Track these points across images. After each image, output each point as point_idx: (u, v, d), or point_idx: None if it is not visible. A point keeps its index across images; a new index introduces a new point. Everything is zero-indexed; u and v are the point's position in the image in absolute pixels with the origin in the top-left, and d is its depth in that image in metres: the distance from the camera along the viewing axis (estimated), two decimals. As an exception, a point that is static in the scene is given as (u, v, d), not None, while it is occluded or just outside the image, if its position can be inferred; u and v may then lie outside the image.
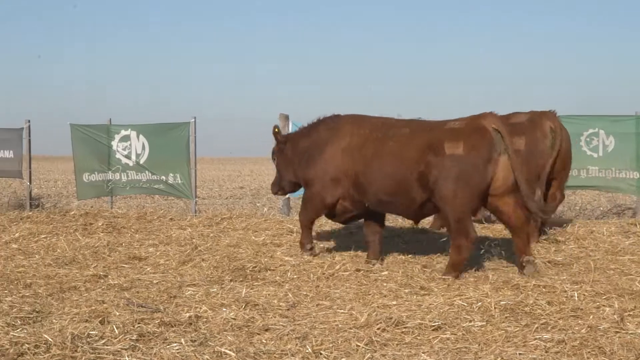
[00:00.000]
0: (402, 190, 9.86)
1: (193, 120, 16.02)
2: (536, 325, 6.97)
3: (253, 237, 12.47)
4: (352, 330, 6.90)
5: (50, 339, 6.43)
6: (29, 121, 16.92)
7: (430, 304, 7.80)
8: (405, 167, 9.79)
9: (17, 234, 12.69)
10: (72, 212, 15.05)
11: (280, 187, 11.40)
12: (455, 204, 9.42)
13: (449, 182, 9.43)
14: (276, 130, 11.20)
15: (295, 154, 10.93)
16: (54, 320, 7.24)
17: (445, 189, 9.43)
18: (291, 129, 15.52)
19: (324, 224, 13.53)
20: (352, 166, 10.25)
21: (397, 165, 9.87)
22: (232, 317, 7.35)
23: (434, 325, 6.96)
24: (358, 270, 9.71)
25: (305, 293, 8.56)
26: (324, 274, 9.57)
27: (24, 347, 6.31)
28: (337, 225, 12.86)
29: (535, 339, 6.61)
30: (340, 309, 7.74)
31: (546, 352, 6.31)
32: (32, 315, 7.46)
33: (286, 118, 15.81)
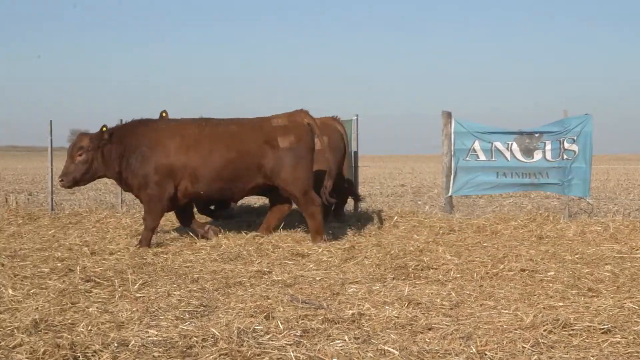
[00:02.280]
0: (241, 177, 11.97)
1: (355, 117, 16.11)
2: None
3: (415, 235, 12.46)
4: (517, 331, 6.79)
5: (217, 333, 6.62)
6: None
7: (599, 306, 7.60)
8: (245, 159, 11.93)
9: (184, 231, 13.10)
10: (236, 209, 15.41)
11: (76, 180, 12.28)
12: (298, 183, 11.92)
13: (287, 167, 11.89)
14: (104, 129, 12.13)
15: (118, 154, 12.09)
16: (221, 315, 7.45)
17: (285, 173, 11.88)
18: (454, 127, 15.46)
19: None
20: (188, 161, 11.87)
21: (237, 157, 11.90)
22: (395, 315, 7.36)
23: (603, 328, 6.78)
24: (523, 270, 9.57)
25: (468, 292, 8.49)
26: (487, 273, 9.48)
27: (192, 340, 6.51)
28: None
29: None
30: (505, 310, 7.64)
31: None
32: (199, 310, 7.69)
33: (449, 115, 15.69)
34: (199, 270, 9.98)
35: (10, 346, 6.35)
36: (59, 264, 10.17)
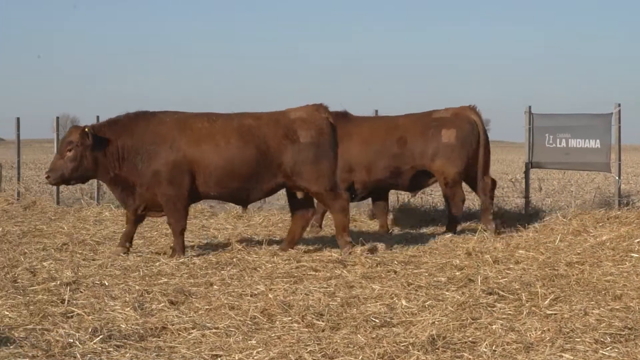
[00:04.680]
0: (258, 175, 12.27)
1: None
2: None
3: None
4: None
5: (644, 362, 6.34)
6: (619, 105, 16.78)
7: None
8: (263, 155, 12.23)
9: (604, 237, 12.72)
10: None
11: (64, 178, 12.30)
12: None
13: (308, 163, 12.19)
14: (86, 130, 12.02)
15: (116, 151, 12.11)
16: (648, 341, 7.15)
17: (306, 171, 12.17)
18: None
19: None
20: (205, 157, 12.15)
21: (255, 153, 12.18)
22: None
23: None
24: None
25: None
26: None
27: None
28: None
29: None
30: None
31: None
32: (623, 332, 7.45)
33: None
34: (622, 285, 9.66)
35: (405, 364, 6.51)
36: (457, 273, 10.34)
